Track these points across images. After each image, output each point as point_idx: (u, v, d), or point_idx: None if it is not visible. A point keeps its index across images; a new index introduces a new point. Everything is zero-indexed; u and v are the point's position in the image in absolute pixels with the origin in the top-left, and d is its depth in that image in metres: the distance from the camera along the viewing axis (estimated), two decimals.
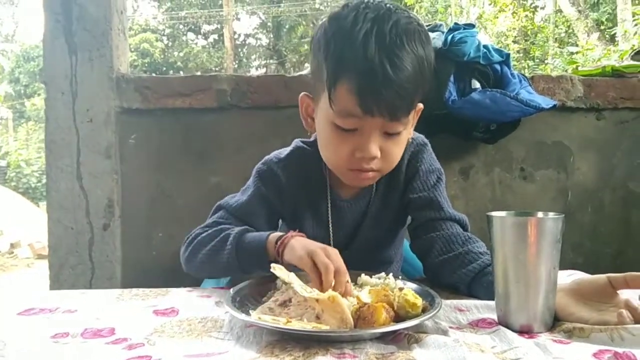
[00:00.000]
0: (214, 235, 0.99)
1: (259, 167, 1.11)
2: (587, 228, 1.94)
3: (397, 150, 0.97)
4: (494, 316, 0.76)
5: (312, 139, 1.11)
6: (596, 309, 0.73)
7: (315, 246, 0.86)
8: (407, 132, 0.98)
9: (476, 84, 1.65)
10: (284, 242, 0.89)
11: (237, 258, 0.94)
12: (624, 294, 0.73)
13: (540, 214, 0.75)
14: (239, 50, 19.60)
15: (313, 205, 1.11)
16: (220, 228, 1.01)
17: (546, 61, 10.22)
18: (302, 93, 1.04)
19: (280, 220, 1.17)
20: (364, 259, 1.05)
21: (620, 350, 0.62)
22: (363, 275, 0.90)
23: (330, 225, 1.10)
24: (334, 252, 0.85)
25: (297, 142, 1.14)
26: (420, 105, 1.01)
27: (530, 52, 11.32)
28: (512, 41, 11.36)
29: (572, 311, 0.73)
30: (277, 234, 0.93)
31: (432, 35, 1.64)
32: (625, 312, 0.68)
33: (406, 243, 1.28)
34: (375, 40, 0.84)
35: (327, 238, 1.10)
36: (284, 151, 1.12)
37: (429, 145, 1.13)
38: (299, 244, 0.88)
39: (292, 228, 1.10)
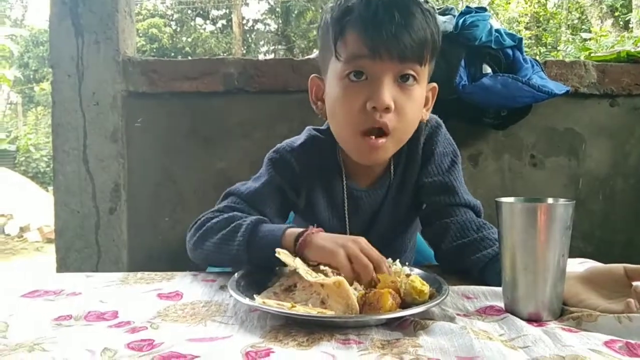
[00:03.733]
0: (225, 224, 0.93)
1: (272, 155, 1.06)
2: (598, 216, 1.92)
3: (410, 107, 0.91)
4: (501, 304, 0.75)
5: (324, 126, 1.07)
6: (607, 298, 0.71)
7: (345, 240, 0.81)
8: (422, 91, 0.94)
9: (487, 69, 1.62)
10: (305, 240, 0.83)
11: (247, 251, 0.87)
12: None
13: (550, 200, 0.73)
14: (248, 35, 19.47)
15: (329, 195, 1.07)
16: (233, 215, 0.95)
17: (558, 48, 10.06)
18: (312, 75, 1.02)
19: (292, 213, 1.13)
20: (378, 248, 1.03)
21: (632, 340, 0.61)
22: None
23: (346, 216, 1.07)
24: (365, 242, 0.81)
25: (309, 130, 1.09)
26: (434, 85, 1.00)
27: (542, 39, 11.16)
28: (524, 27, 11.19)
29: (582, 298, 0.72)
30: (295, 230, 0.86)
31: (443, 18, 1.61)
32: (632, 301, 0.67)
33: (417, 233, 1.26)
34: None
35: (344, 229, 1.06)
36: (297, 140, 1.07)
37: (444, 126, 1.10)
38: (324, 241, 0.82)
39: (307, 219, 1.08)
